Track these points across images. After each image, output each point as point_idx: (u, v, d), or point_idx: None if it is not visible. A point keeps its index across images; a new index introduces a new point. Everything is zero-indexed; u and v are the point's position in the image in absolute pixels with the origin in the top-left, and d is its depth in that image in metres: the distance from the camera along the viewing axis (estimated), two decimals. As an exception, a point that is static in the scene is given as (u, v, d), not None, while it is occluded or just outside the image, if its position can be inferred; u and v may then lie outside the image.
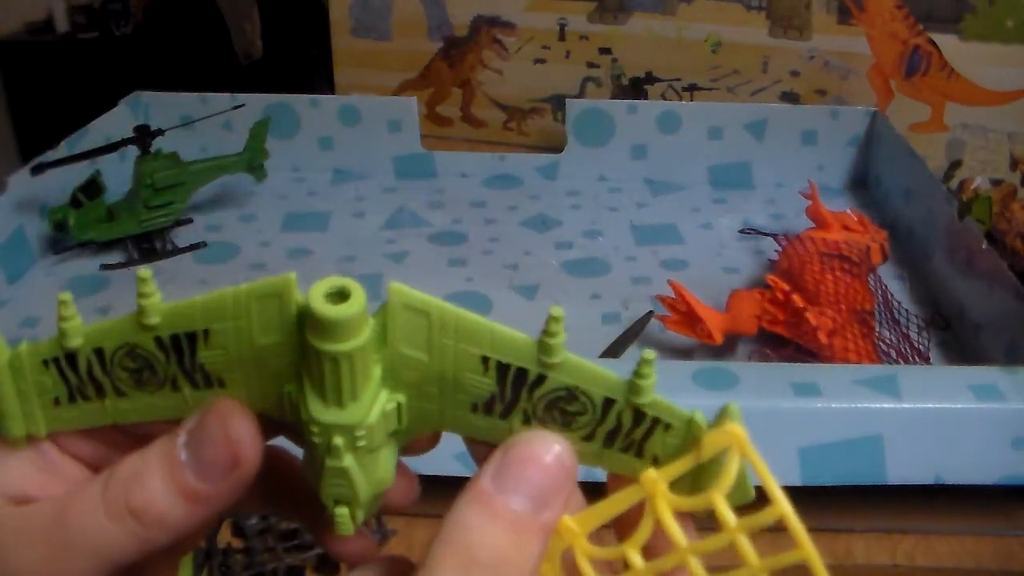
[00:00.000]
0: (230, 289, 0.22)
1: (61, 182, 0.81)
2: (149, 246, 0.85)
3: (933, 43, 1.01)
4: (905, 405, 0.50)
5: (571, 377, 0.23)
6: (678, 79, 1.11)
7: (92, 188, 0.81)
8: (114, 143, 0.84)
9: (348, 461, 0.23)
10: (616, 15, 1.10)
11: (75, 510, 0.22)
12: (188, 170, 0.87)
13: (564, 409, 0.23)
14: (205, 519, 0.23)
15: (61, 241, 0.84)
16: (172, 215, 0.86)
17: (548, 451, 0.23)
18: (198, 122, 0.94)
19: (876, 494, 0.53)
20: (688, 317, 0.68)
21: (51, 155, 0.82)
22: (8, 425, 0.24)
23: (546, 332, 0.22)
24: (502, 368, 0.23)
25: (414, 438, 0.26)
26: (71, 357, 0.23)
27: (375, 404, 0.23)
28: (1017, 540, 0.55)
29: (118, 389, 0.24)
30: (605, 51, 1.11)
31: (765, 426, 0.51)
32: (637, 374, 0.23)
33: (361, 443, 0.23)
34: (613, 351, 0.69)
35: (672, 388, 0.51)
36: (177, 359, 0.23)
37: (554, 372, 0.23)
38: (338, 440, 0.23)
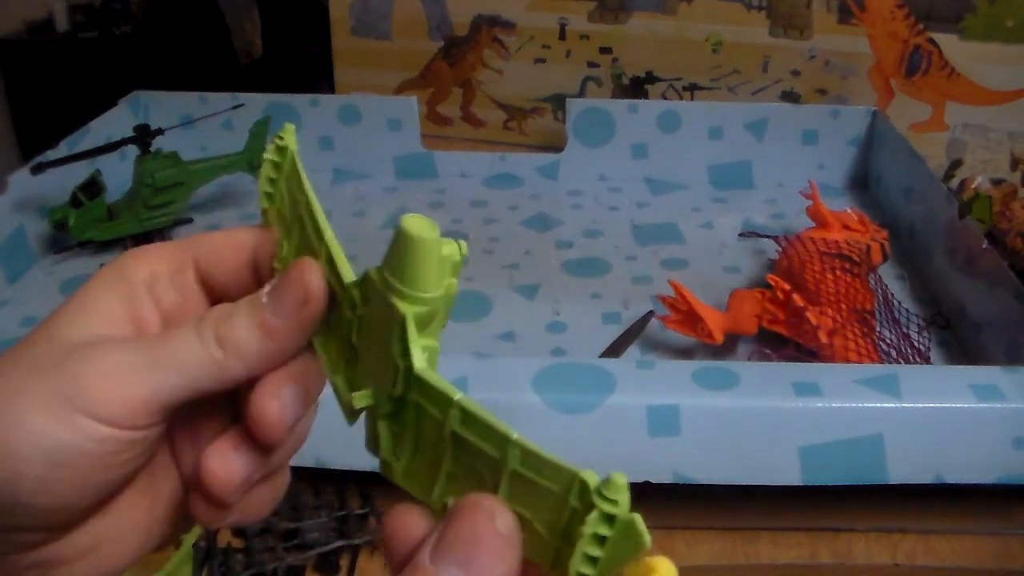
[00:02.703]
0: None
1: (61, 182, 0.81)
2: (149, 246, 0.85)
3: (933, 43, 1.01)
4: (905, 405, 0.50)
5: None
6: (678, 79, 1.11)
7: (92, 188, 0.81)
8: (114, 143, 0.84)
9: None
10: (616, 15, 1.10)
11: (174, 333, 0.26)
12: (188, 170, 0.87)
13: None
14: (275, 355, 0.26)
15: (61, 241, 0.84)
16: (172, 215, 0.86)
17: (491, 522, 0.22)
18: (198, 122, 0.94)
19: (876, 494, 0.53)
20: (688, 317, 0.68)
21: (51, 155, 0.82)
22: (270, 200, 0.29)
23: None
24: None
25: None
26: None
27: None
28: (1017, 540, 0.55)
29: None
30: (605, 51, 1.11)
31: (765, 426, 0.51)
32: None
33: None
34: (613, 351, 0.69)
35: (672, 388, 0.52)
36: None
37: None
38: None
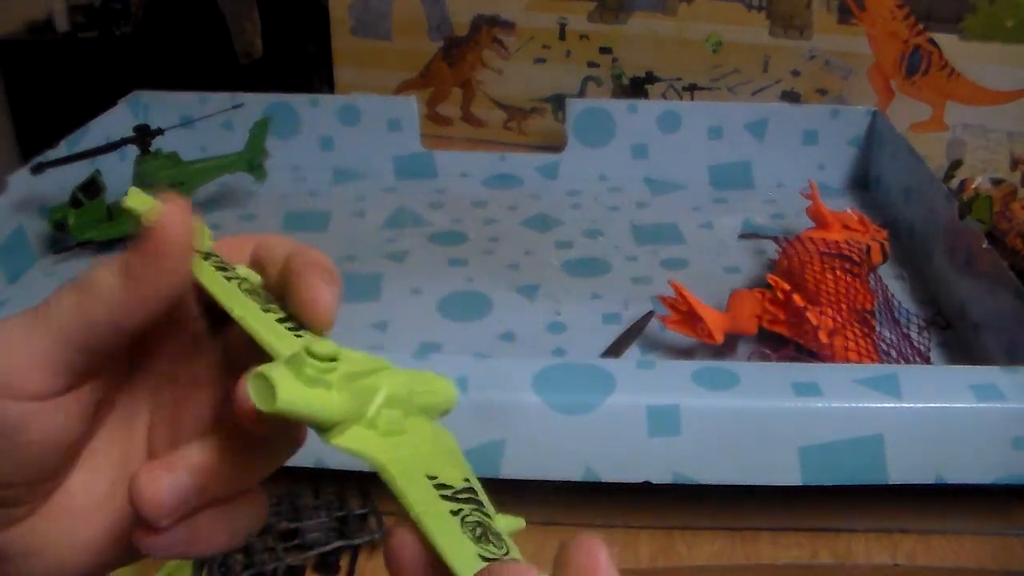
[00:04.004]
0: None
1: (61, 182, 0.81)
2: (149, 246, 0.85)
3: (933, 43, 1.01)
4: (905, 405, 0.50)
5: (511, 539, 0.23)
6: (678, 79, 1.11)
7: (92, 188, 0.81)
8: (114, 143, 0.84)
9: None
10: (616, 15, 1.10)
11: (54, 291, 0.26)
12: (188, 170, 0.87)
13: (487, 536, 0.22)
14: (136, 299, 0.25)
15: (61, 241, 0.84)
16: (172, 215, 0.86)
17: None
18: (198, 122, 0.94)
19: (876, 494, 0.53)
20: (688, 317, 0.68)
21: (51, 155, 0.82)
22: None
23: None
24: (470, 491, 0.23)
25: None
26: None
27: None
28: (1017, 540, 0.55)
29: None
30: (605, 51, 1.11)
31: (765, 426, 0.51)
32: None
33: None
34: (613, 351, 0.69)
35: (672, 388, 0.52)
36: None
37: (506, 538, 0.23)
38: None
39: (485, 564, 0.21)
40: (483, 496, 0.23)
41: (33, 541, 0.26)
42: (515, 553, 0.22)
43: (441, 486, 0.23)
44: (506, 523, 0.23)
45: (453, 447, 0.25)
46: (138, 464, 0.28)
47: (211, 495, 0.25)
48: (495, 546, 0.22)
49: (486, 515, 0.23)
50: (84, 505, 0.27)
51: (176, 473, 0.24)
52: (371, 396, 0.24)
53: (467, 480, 0.23)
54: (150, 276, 0.25)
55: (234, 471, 0.25)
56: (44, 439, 0.25)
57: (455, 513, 0.22)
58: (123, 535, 0.27)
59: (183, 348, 0.28)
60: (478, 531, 0.22)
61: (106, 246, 0.84)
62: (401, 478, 0.23)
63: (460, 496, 0.23)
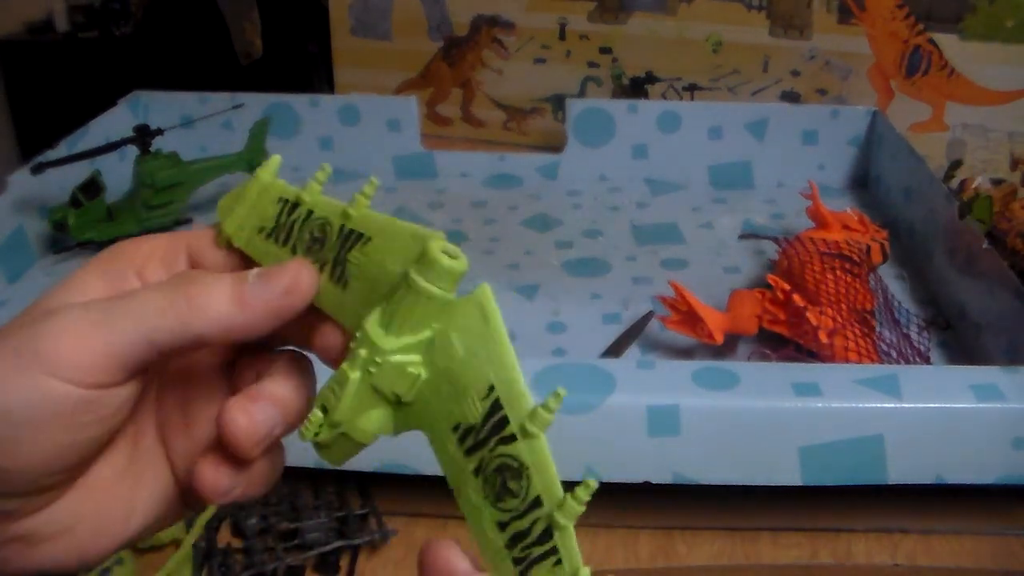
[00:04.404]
0: (401, 222, 0.27)
1: (61, 182, 0.81)
2: (149, 246, 0.85)
3: (933, 43, 1.01)
4: (905, 405, 0.50)
5: (532, 457, 0.23)
6: (678, 79, 1.11)
7: (92, 188, 0.81)
8: (114, 143, 0.84)
9: (355, 374, 0.25)
10: (616, 15, 1.10)
11: (140, 288, 0.27)
12: (188, 170, 0.87)
13: (506, 482, 0.23)
14: (237, 327, 0.26)
15: (61, 241, 0.84)
16: (172, 215, 0.86)
17: None
18: (198, 122, 0.94)
19: (876, 494, 0.53)
20: (688, 317, 0.68)
21: (51, 155, 0.82)
22: (228, 221, 0.30)
23: (546, 406, 0.23)
24: (495, 406, 0.23)
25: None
26: (296, 205, 0.29)
27: (407, 352, 0.25)
28: (1017, 540, 0.55)
29: (293, 247, 0.29)
30: (605, 51, 1.11)
31: (765, 426, 0.51)
32: (575, 497, 0.23)
33: (373, 369, 0.25)
34: (613, 351, 0.69)
35: (672, 388, 0.52)
36: (339, 248, 0.28)
37: (526, 441, 0.23)
38: (362, 351, 0.25)
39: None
40: (510, 392, 0.23)
41: (62, 521, 0.26)
42: (536, 485, 0.23)
43: (465, 434, 0.24)
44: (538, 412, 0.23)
45: (479, 338, 0.25)
46: (148, 436, 0.29)
47: (287, 425, 0.27)
48: (513, 495, 0.23)
49: (508, 436, 0.23)
50: (107, 482, 0.28)
51: (262, 404, 0.26)
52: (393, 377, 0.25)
53: (491, 391, 0.24)
54: (261, 316, 0.26)
55: (300, 401, 0.27)
56: (94, 424, 0.25)
57: (477, 472, 0.24)
58: (142, 507, 0.28)
59: None
60: (498, 483, 0.23)
61: (106, 246, 0.84)
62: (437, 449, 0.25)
63: (482, 433, 0.24)
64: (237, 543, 0.54)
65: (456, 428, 0.24)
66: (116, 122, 0.94)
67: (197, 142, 0.98)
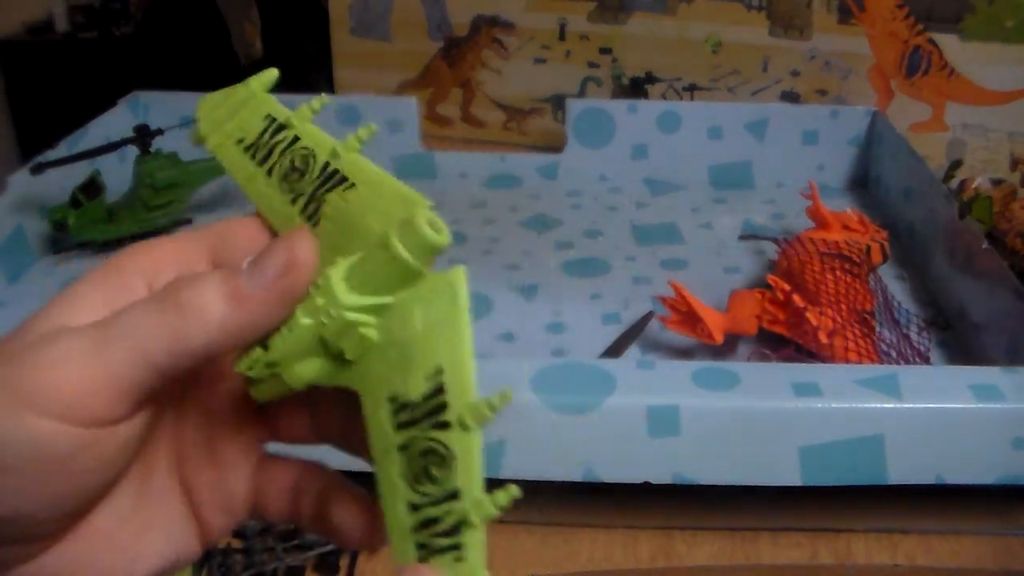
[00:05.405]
0: (392, 179, 0.26)
1: (61, 182, 0.81)
2: (149, 246, 0.85)
3: (933, 43, 1.01)
4: (905, 405, 0.50)
5: (462, 450, 0.23)
6: (678, 79, 1.11)
7: (92, 188, 0.81)
8: (114, 143, 0.84)
9: (306, 321, 0.24)
10: (616, 15, 1.10)
11: (130, 307, 0.23)
12: (188, 170, 0.87)
13: (429, 467, 0.23)
14: (242, 328, 0.23)
15: (61, 241, 0.84)
16: (172, 215, 0.86)
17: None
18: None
19: (876, 494, 0.53)
20: (688, 317, 0.68)
21: (51, 155, 0.82)
22: (203, 126, 0.29)
23: (490, 403, 0.23)
24: (439, 389, 0.23)
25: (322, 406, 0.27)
26: (282, 127, 0.28)
27: (364, 313, 0.24)
28: (1017, 540, 0.55)
29: (270, 169, 0.28)
30: (605, 51, 1.11)
31: (765, 426, 0.51)
32: (494, 500, 0.22)
33: (326, 320, 0.24)
34: (613, 351, 0.69)
35: (672, 388, 0.52)
36: (319, 185, 0.26)
37: (461, 432, 0.23)
38: (319, 299, 0.24)
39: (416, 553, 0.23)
40: (458, 380, 0.23)
41: (60, 567, 0.24)
42: (459, 478, 0.23)
43: (400, 408, 0.24)
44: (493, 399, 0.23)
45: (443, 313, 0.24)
46: (159, 475, 0.27)
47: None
48: (432, 482, 0.23)
49: (443, 423, 0.23)
50: (109, 528, 0.25)
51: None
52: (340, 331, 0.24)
53: (438, 372, 0.23)
54: (264, 308, 0.24)
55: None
56: (95, 468, 0.23)
57: (403, 449, 0.23)
58: (150, 552, 0.26)
59: None
60: (421, 466, 0.23)
61: (106, 246, 0.84)
62: (370, 418, 0.24)
63: (418, 412, 0.23)
64: (237, 543, 0.54)
65: (393, 399, 0.24)
66: (116, 122, 0.94)
67: (197, 142, 0.98)
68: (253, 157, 0.28)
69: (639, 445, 0.51)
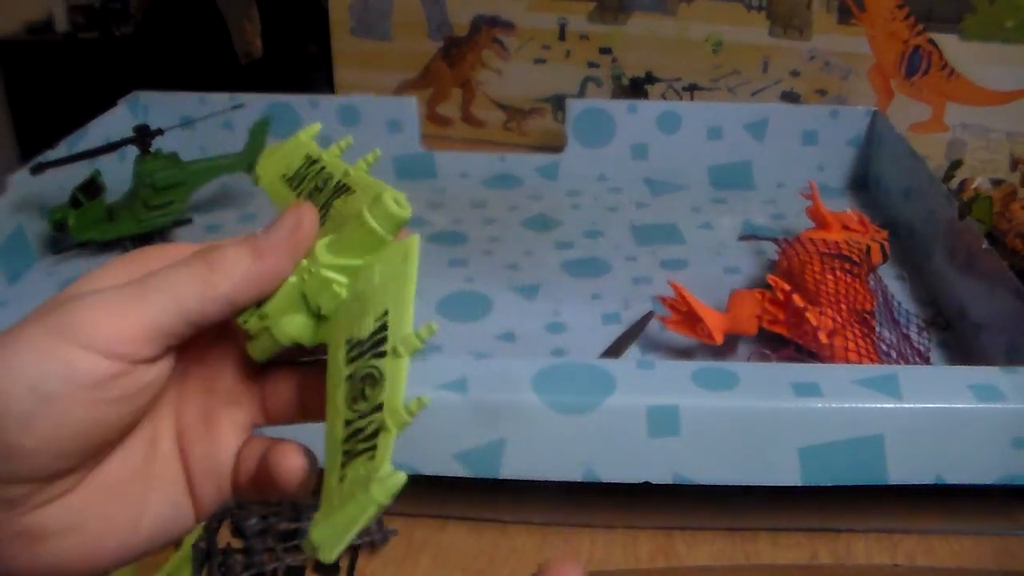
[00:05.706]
0: (379, 182, 0.31)
1: (61, 182, 0.81)
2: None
3: (933, 43, 1.01)
4: (905, 405, 0.50)
5: (391, 371, 0.26)
6: (678, 79, 1.11)
7: (92, 188, 0.81)
8: (114, 143, 0.84)
9: (292, 278, 0.29)
10: (616, 15, 1.10)
11: (164, 268, 0.28)
12: (188, 170, 0.87)
13: (364, 388, 0.26)
14: (262, 276, 0.28)
15: (61, 241, 0.84)
16: (171, 215, 0.86)
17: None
18: (198, 122, 0.94)
19: (876, 494, 0.53)
20: (688, 317, 0.68)
21: (51, 155, 0.82)
22: (262, 165, 0.35)
23: (418, 334, 0.26)
24: (383, 327, 0.27)
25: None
26: (315, 161, 0.34)
27: (338, 272, 0.29)
28: (1017, 540, 0.55)
29: (299, 192, 0.33)
30: (605, 51, 1.11)
31: (765, 426, 0.51)
32: (408, 408, 0.25)
33: (307, 276, 0.29)
34: (613, 351, 0.69)
35: (672, 388, 0.52)
36: (330, 196, 0.32)
37: (392, 358, 0.26)
38: (304, 262, 0.29)
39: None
40: (398, 319, 0.27)
41: (71, 517, 0.26)
42: (384, 394, 0.26)
43: (353, 346, 0.27)
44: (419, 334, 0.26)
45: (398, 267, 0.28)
46: (165, 441, 0.30)
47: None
48: (365, 400, 0.26)
49: (381, 352, 0.26)
50: (120, 480, 0.28)
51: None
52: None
53: (385, 314, 0.27)
54: (279, 259, 0.29)
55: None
56: (120, 400, 0.26)
57: (349, 378, 0.27)
58: (153, 512, 0.28)
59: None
60: (359, 388, 0.26)
61: (106, 246, 0.84)
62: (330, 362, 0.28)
63: (365, 346, 0.27)
64: (237, 543, 0.54)
65: (349, 340, 0.28)
66: (116, 122, 0.94)
67: (197, 142, 0.98)
68: (291, 186, 0.34)
69: (639, 445, 0.51)
